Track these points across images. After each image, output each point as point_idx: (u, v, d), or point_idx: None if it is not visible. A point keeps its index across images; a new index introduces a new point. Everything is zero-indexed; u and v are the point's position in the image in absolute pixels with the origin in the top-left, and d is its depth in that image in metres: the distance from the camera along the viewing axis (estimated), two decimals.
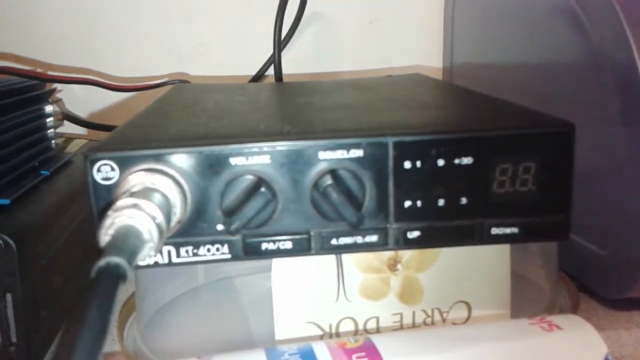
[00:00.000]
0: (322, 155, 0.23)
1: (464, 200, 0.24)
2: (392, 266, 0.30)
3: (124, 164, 0.23)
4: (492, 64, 0.50)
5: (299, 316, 0.30)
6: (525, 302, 0.33)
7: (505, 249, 0.30)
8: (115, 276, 0.17)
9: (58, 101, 0.44)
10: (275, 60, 0.56)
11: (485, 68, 0.51)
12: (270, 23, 0.55)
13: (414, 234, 0.24)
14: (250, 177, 0.23)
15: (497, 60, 0.50)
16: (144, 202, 0.20)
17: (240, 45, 0.62)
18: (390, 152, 0.24)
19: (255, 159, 0.23)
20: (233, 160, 0.23)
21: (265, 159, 0.23)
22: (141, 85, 0.47)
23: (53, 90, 0.43)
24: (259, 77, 0.60)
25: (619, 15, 0.33)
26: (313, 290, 0.30)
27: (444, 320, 0.31)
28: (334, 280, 0.30)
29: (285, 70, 0.56)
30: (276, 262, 0.29)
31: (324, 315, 0.30)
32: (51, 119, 0.42)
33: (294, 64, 0.62)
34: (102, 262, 0.17)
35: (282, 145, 0.23)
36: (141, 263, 0.24)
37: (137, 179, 0.22)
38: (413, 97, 0.36)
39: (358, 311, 0.30)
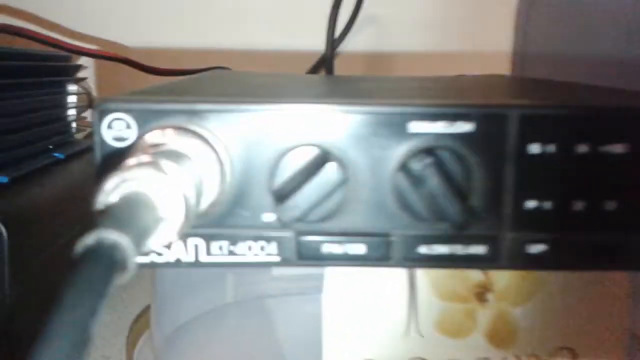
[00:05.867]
0: (415, 127, 0.17)
1: (611, 205, 0.17)
2: (481, 295, 0.23)
3: (145, 121, 0.17)
4: (572, 62, 0.43)
5: (356, 351, 0.23)
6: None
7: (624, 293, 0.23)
8: (110, 262, 0.11)
9: (83, 80, 0.38)
10: (328, 59, 0.50)
11: (563, 70, 0.44)
12: (322, 22, 0.50)
13: (538, 248, 0.17)
14: (314, 150, 0.17)
15: (580, 60, 0.43)
16: (168, 163, 0.14)
17: (290, 44, 0.57)
18: (513, 130, 0.17)
19: (321, 125, 0.17)
20: (291, 125, 0.17)
21: (336, 127, 0.17)
22: (178, 69, 0.42)
23: (78, 67, 0.37)
24: None
25: None
26: (376, 319, 0.23)
27: None
28: (404, 308, 0.23)
29: (337, 72, 0.50)
30: (330, 278, 0.23)
31: (388, 353, 0.23)
32: (73, 98, 0.37)
33: (344, 66, 0.56)
34: (91, 238, 0.11)
35: (358, 110, 0.17)
36: (157, 259, 0.18)
37: (160, 137, 0.16)
38: (517, 88, 0.29)
39: (433, 351, 0.23)
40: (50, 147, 0.34)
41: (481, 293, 0.23)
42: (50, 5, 0.50)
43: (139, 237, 0.12)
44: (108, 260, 0.11)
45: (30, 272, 0.26)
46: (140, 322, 0.33)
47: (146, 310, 0.32)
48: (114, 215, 0.12)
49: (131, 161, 0.14)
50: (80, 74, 0.38)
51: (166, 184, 0.13)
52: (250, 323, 0.32)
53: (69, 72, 0.36)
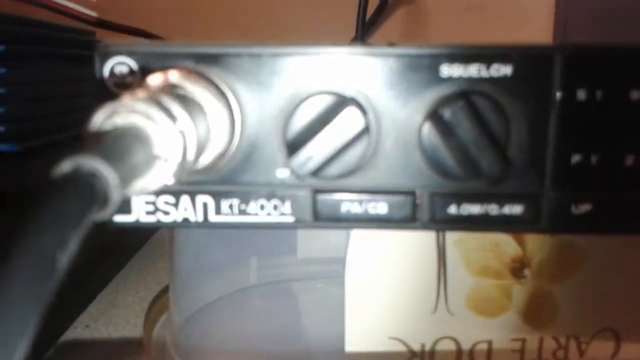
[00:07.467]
0: (447, 70, 0.15)
1: None
2: (518, 271, 0.21)
3: (149, 65, 0.15)
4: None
5: (379, 330, 0.21)
6: None
7: None
8: (86, 191, 0.09)
9: None
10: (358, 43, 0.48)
11: None
12: (353, 5, 0.48)
13: (583, 209, 0.15)
14: (332, 97, 0.15)
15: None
16: (168, 99, 0.13)
17: (318, 29, 0.56)
18: (557, 73, 0.15)
19: (341, 69, 0.15)
20: (308, 69, 0.15)
21: (359, 72, 0.15)
22: None
23: None
24: None
25: None
26: (402, 295, 0.21)
27: (581, 354, 0.22)
28: (432, 283, 0.21)
29: None
30: (353, 250, 0.21)
31: (414, 332, 0.21)
32: None
33: None
34: (67, 164, 0.10)
35: (384, 53, 0.15)
36: (163, 218, 0.16)
37: (164, 80, 0.14)
38: None
39: (463, 330, 0.21)
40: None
41: (517, 268, 0.21)
42: None
43: (127, 170, 0.10)
44: (84, 189, 0.09)
45: None
46: (160, 304, 0.32)
47: (164, 290, 0.31)
48: (99, 143, 0.10)
49: (127, 96, 0.12)
50: None
51: (164, 118, 0.12)
52: (273, 305, 0.31)
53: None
